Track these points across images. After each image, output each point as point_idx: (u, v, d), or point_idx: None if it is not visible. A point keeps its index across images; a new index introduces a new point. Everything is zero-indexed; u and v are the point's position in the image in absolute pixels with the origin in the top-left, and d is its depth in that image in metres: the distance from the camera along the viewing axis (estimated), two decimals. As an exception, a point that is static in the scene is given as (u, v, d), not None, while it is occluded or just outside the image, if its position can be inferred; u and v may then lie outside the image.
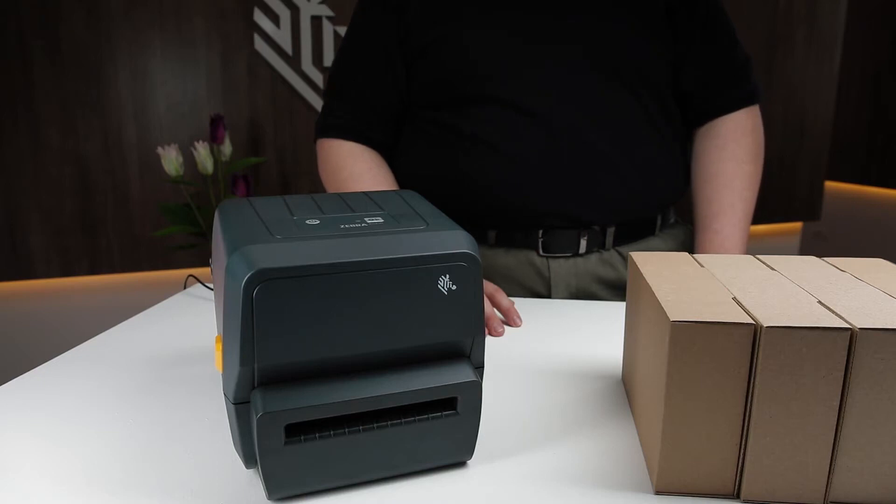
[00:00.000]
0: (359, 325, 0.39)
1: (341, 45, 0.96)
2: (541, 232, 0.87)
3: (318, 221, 0.42)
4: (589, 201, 0.85)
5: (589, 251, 0.88)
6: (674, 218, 0.96)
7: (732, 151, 0.90)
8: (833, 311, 0.39)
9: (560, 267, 0.88)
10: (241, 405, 0.39)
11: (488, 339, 0.70)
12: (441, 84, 0.87)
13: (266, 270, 0.36)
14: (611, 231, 0.88)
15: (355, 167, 0.91)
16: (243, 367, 0.37)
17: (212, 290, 0.86)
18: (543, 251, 0.87)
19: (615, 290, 0.90)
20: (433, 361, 0.42)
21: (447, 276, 0.40)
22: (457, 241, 0.41)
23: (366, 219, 0.43)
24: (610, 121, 0.84)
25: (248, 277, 0.36)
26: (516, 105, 0.83)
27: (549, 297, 0.89)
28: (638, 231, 0.90)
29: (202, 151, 1.86)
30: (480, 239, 0.90)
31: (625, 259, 0.89)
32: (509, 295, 0.90)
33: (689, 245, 0.95)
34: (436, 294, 0.40)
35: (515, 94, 0.84)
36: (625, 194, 0.86)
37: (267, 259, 0.36)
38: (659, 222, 0.92)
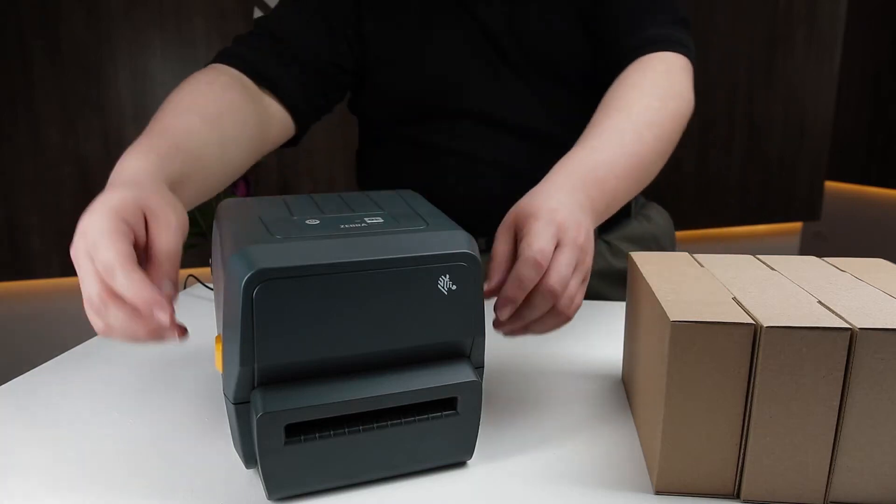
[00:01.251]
0: (359, 325, 0.39)
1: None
2: None
3: (317, 221, 0.42)
4: None
5: None
6: (642, 199, 0.97)
7: (634, 81, 0.71)
8: (833, 311, 0.39)
9: None
10: (241, 405, 0.39)
11: (488, 339, 0.70)
12: (408, 98, 0.87)
13: (266, 270, 0.36)
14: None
15: (194, 96, 0.65)
16: (243, 367, 0.37)
17: (212, 290, 0.86)
18: None
19: (604, 278, 0.90)
20: (433, 361, 0.43)
21: (447, 276, 0.40)
22: (457, 241, 0.41)
23: (365, 219, 0.43)
24: (575, 120, 0.84)
25: (249, 277, 0.36)
26: (487, 116, 0.84)
27: None
28: (617, 219, 0.91)
29: (202, 151, 1.86)
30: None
31: (610, 246, 0.90)
32: None
33: (660, 223, 0.96)
34: (436, 294, 0.40)
35: (485, 106, 0.84)
36: None
37: (267, 259, 0.36)
38: (633, 205, 0.93)
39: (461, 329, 0.42)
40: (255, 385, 0.38)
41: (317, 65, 0.78)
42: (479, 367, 0.44)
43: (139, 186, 0.45)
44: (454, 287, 0.40)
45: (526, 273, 0.46)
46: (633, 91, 0.70)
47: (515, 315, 0.48)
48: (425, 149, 0.88)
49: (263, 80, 0.73)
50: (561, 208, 0.52)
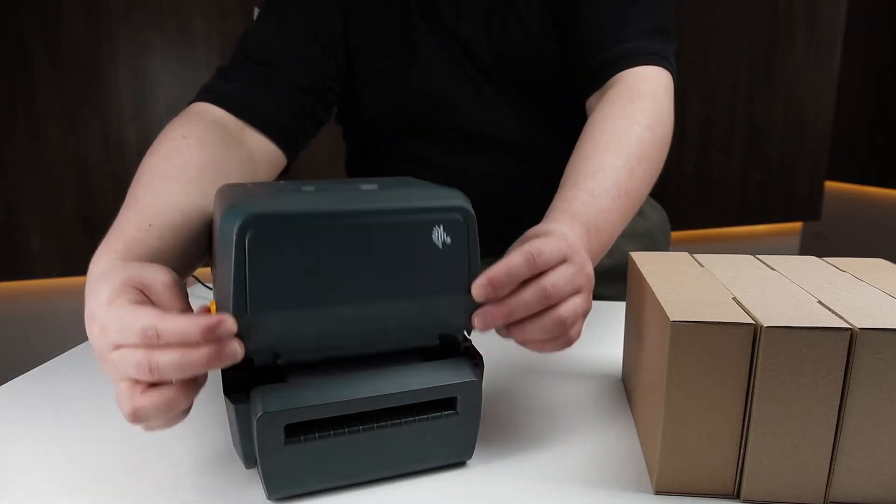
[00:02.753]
0: (352, 275, 0.38)
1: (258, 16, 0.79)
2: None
3: (312, 188, 0.41)
4: None
5: None
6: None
7: (620, 109, 0.69)
8: (833, 311, 0.39)
9: None
10: (241, 405, 0.39)
11: (487, 340, 0.70)
12: (397, 114, 0.87)
13: (259, 216, 0.36)
14: None
15: (178, 132, 0.62)
16: (237, 316, 0.36)
17: (212, 290, 0.86)
18: None
19: (601, 277, 0.90)
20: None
21: (441, 227, 0.40)
22: (451, 195, 0.41)
23: (361, 185, 0.43)
24: (559, 131, 0.84)
25: (242, 223, 0.35)
26: (471, 131, 0.84)
27: None
28: None
29: (202, 151, 1.86)
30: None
31: None
32: None
33: (655, 219, 0.96)
34: (430, 246, 0.40)
35: (468, 121, 0.84)
36: None
37: (260, 207, 0.36)
38: None
39: (455, 284, 0.41)
40: (248, 349, 0.37)
41: (305, 85, 0.75)
42: (478, 364, 0.44)
43: (118, 270, 0.42)
44: (448, 240, 0.40)
45: (515, 260, 0.43)
46: (623, 122, 0.68)
47: (502, 302, 0.44)
48: (410, 163, 0.87)
49: (248, 115, 0.69)
50: (571, 236, 0.51)
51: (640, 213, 0.94)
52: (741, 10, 2.68)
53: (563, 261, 0.46)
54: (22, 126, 2.09)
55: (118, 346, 0.37)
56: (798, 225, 3.17)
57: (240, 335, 0.36)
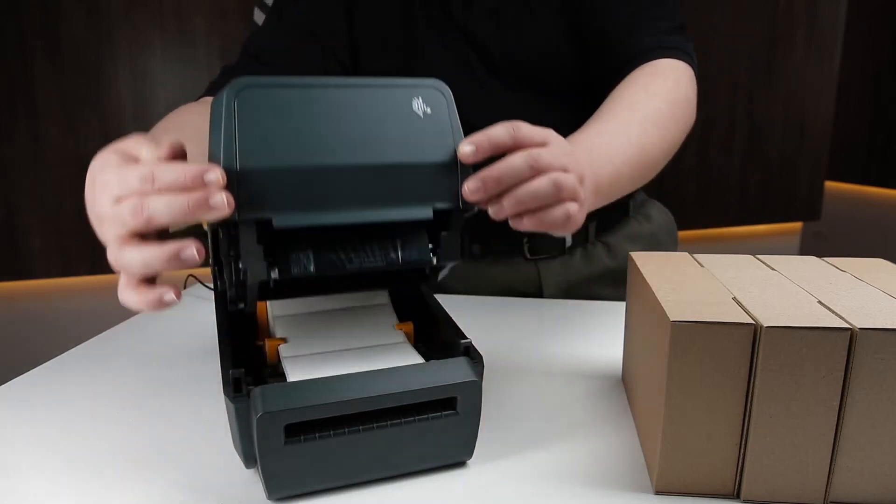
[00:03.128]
0: (337, 136, 0.40)
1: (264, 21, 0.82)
2: (525, 238, 0.87)
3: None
4: None
5: (574, 246, 0.88)
6: (642, 197, 0.97)
7: (642, 83, 0.71)
8: (833, 311, 0.39)
9: (548, 268, 0.88)
10: (241, 405, 0.39)
11: (487, 341, 0.70)
12: None
13: (249, 81, 0.39)
14: (592, 225, 0.89)
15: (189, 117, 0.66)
16: (227, 173, 0.37)
17: (212, 289, 0.86)
18: (530, 255, 0.88)
19: (603, 281, 0.90)
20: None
21: (420, 98, 0.43)
22: (429, 79, 0.44)
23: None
24: (568, 127, 0.84)
25: (231, 86, 0.38)
26: (478, 129, 0.83)
27: (540, 299, 0.89)
28: (614, 218, 0.91)
29: (202, 151, 1.86)
30: (465, 253, 0.90)
31: (608, 248, 0.90)
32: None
33: (661, 221, 0.96)
34: (412, 114, 0.42)
35: (475, 119, 0.83)
36: None
37: (250, 79, 0.39)
38: (631, 205, 0.93)
39: (441, 151, 0.43)
40: (239, 208, 0.37)
41: None
42: (477, 366, 0.44)
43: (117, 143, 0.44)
44: (429, 111, 0.43)
45: (497, 130, 0.44)
46: (642, 92, 0.70)
47: (490, 166, 0.44)
48: None
49: None
50: (560, 137, 0.51)
51: (645, 216, 0.94)
52: (741, 10, 2.68)
53: (546, 143, 0.47)
54: (22, 126, 2.09)
55: (118, 199, 0.38)
56: (798, 225, 3.17)
57: (232, 193, 0.37)
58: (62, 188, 2.15)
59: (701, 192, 2.84)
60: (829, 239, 3.27)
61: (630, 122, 0.64)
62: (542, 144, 0.46)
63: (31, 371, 0.61)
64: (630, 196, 0.92)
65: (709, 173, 2.83)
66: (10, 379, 0.59)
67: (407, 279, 0.51)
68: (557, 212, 0.46)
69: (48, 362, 0.63)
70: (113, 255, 0.39)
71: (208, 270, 0.49)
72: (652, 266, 0.51)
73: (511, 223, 0.46)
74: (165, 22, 2.12)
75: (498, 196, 0.44)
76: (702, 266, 0.51)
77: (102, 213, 0.39)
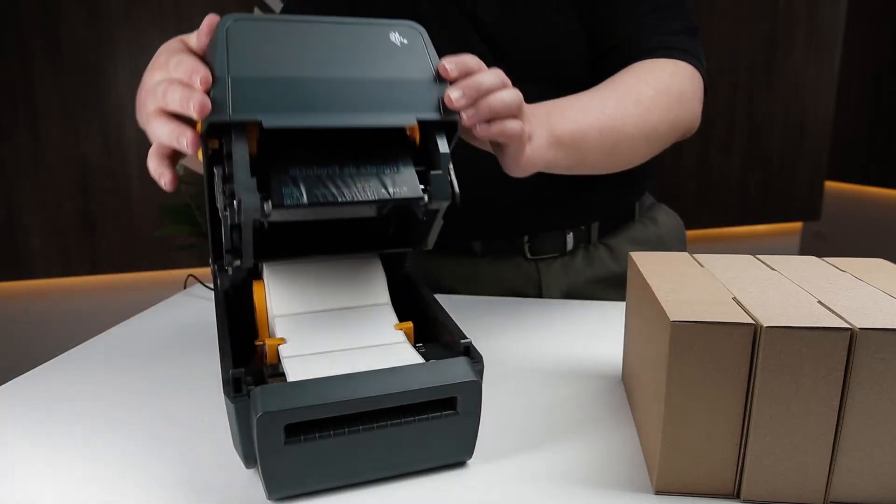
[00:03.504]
0: (322, 56, 0.44)
1: None
2: (526, 237, 0.87)
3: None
4: (570, 203, 0.85)
5: (576, 248, 0.88)
6: (649, 200, 0.97)
7: (634, 72, 0.73)
8: (833, 311, 0.39)
9: (549, 268, 0.88)
10: (241, 405, 0.39)
11: (486, 341, 0.70)
12: None
13: (241, 15, 0.44)
14: (595, 226, 0.89)
15: None
16: (217, 81, 0.41)
17: (212, 289, 0.86)
18: (531, 254, 0.88)
19: (604, 283, 0.90)
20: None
21: (396, 32, 0.48)
22: (406, 20, 0.49)
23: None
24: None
25: (226, 17, 0.44)
26: None
27: (540, 299, 0.89)
28: (619, 221, 0.91)
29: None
30: (466, 250, 0.90)
31: (611, 251, 0.89)
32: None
33: (669, 226, 0.95)
34: (389, 43, 0.47)
35: None
36: (603, 191, 0.86)
37: (243, 13, 0.45)
38: (637, 209, 0.93)
39: (420, 68, 0.47)
40: (234, 109, 0.41)
41: None
42: (477, 366, 0.44)
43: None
44: (405, 41, 0.47)
45: (469, 58, 0.50)
46: (632, 78, 0.72)
47: (469, 80, 0.50)
48: None
49: None
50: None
51: (652, 220, 0.94)
52: (741, 10, 2.68)
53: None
54: (22, 126, 2.09)
55: (159, 81, 0.47)
56: (798, 225, 3.17)
57: (224, 98, 0.41)
58: (62, 188, 2.15)
59: (701, 192, 2.84)
60: (829, 239, 3.27)
61: (607, 97, 0.68)
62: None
63: (31, 371, 0.61)
64: (636, 198, 0.92)
65: (709, 173, 2.83)
66: (10, 379, 0.59)
67: (401, 238, 0.54)
68: (515, 124, 0.53)
69: (48, 362, 0.63)
70: (148, 124, 0.48)
71: (208, 270, 0.49)
72: (652, 266, 0.51)
73: (478, 130, 0.51)
74: (165, 22, 2.12)
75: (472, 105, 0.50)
76: (702, 266, 0.51)
77: (148, 88, 0.49)
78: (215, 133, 0.44)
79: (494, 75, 0.51)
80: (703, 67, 0.78)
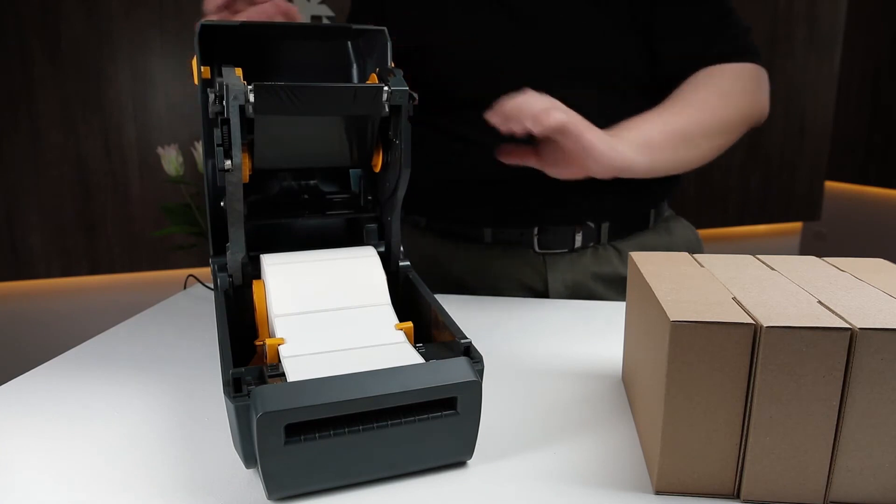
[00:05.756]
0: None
1: None
2: (536, 229, 0.88)
3: None
4: (582, 200, 0.86)
5: (584, 246, 0.88)
6: (668, 212, 0.97)
7: (706, 77, 0.80)
8: (833, 311, 0.39)
9: (556, 263, 0.88)
10: (241, 405, 0.39)
11: (487, 341, 0.70)
12: (428, 89, 0.87)
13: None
14: (605, 227, 0.89)
15: None
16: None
17: (212, 289, 0.86)
18: (539, 248, 0.88)
19: (610, 284, 0.90)
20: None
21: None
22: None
23: None
24: (598, 121, 0.84)
25: None
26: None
27: (545, 292, 0.89)
28: (632, 225, 0.91)
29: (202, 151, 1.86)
30: (476, 238, 0.91)
31: (620, 254, 0.90)
32: (508, 293, 0.90)
33: (683, 237, 0.95)
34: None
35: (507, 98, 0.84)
36: (617, 191, 0.86)
37: None
38: (652, 217, 0.93)
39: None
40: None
41: None
42: (477, 361, 0.44)
43: None
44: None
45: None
46: (702, 84, 0.79)
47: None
48: (443, 135, 0.88)
49: None
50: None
51: (668, 231, 0.94)
52: (741, 10, 2.67)
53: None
54: (22, 126, 2.09)
55: None
56: (798, 225, 3.17)
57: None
58: (62, 188, 2.15)
59: (701, 192, 2.84)
60: (828, 239, 3.27)
61: (682, 106, 0.75)
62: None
63: (31, 371, 0.61)
64: (652, 206, 0.92)
65: (709, 173, 2.83)
66: (10, 379, 0.59)
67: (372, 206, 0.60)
68: (557, 113, 0.63)
69: (48, 362, 0.63)
70: None
71: (208, 270, 0.49)
72: (652, 266, 0.51)
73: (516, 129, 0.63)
74: (165, 22, 2.12)
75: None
76: (702, 266, 0.51)
77: None
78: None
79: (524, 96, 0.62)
80: (761, 61, 0.85)
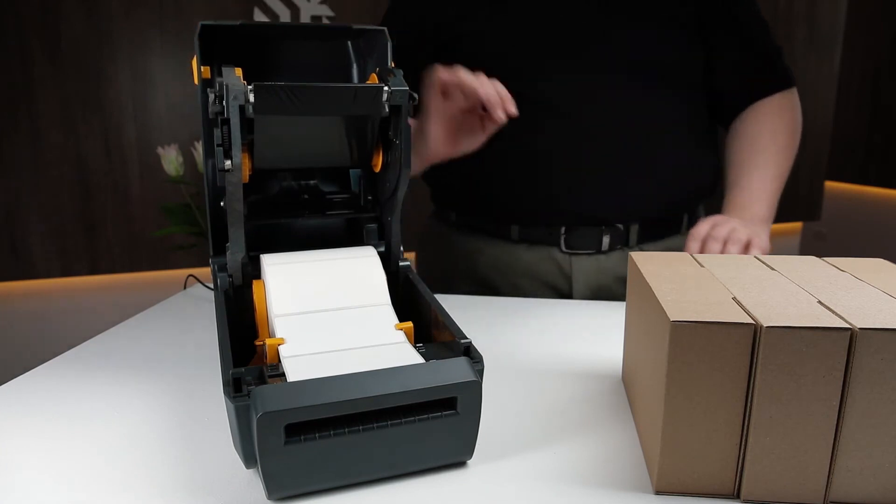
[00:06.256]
0: None
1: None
2: (563, 229, 0.87)
3: None
4: (612, 200, 0.85)
5: (612, 248, 0.88)
6: (703, 216, 0.97)
7: (767, 123, 0.90)
8: (833, 311, 0.39)
9: (582, 264, 0.88)
10: (241, 405, 0.38)
11: (487, 341, 0.70)
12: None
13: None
14: (634, 229, 0.88)
15: None
16: None
17: (212, 289, 0.86)
18: (566, 248, 0.88)
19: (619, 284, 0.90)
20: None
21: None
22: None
23: None
24: (636, 120, 0.84)
25: None
26: (542, 102, 0.84)
27: (570, 293, 0.89)
28: (663, 230, 0.90)
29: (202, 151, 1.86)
30: (504, 235, 0.90)
31: None
32: (532, 292, 0.90)
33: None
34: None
35: (542, 92, 0.84)
36: (649, 193, 0.86)
37: None
38: (686, 221, 0.92)
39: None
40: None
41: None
42: (478, 366, 0.44)
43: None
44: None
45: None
46: (771, 137, 0.90)
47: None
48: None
49: None
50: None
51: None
52: (741, 10, 2.67)
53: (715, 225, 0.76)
54: (22, 126, 2.09)
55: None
56: (798, 225, 3.17)
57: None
58: (62, 188, 2.15)
59: (701, 192, 2.83)
60: (828, 239, 3.27)
61: (765, 163, 0.88)
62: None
63: (31, 371, 0.61)
64: (683, 210, 0.92)
65: (709, 173, 2.82)
66: (10, 379, 0.59)
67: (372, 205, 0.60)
68: (737, 241, 0.75)
69: (48, 362, 0.63)
70: (478, 82, 0.70)
71: (208, 270, 0.49)
72: (652, 266, 0.51)
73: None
74: (165, 22, 2.12)
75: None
76: (702, 266, 0.51)
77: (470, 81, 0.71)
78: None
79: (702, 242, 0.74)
80: (793, 81, 0.95)
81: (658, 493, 0.41)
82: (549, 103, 0.83)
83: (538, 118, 0.84)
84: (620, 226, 0.87)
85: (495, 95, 0.69)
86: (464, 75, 0.71)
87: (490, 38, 0.85)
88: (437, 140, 0.76)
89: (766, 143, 0.89)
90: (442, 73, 0.72)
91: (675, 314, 0.39)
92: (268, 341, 0.46)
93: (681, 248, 0.91)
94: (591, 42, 0.83)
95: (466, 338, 0.45)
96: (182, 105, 2.16)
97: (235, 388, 0.39)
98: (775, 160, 0.88)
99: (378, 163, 0.55)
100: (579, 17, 0.83)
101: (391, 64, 0.55)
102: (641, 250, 0.89)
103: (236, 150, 0.46)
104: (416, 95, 0.51)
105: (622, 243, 0.88)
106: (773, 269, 0.50)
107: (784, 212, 2.97)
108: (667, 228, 0.91)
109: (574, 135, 0.83)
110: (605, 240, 0.87)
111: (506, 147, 0.85)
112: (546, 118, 0.84)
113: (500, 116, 0.69)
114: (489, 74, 0.86)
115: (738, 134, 0.91)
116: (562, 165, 0.84)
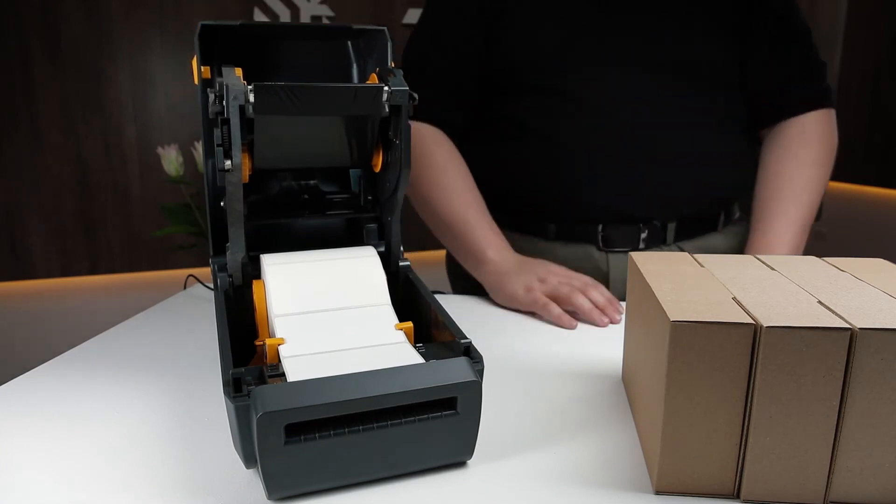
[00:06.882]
0: None
1: (418, 23, 0.93)
2: (600, 226, 0.87)
3: None
4: (649, 198, 0.85)
5: (649, 246, 0.88)
6: (738, 214, 0.96)
7: (795, 154, 0.88)
8: (833, 311, 0.39)
9: (619, 262, 0.88)
10: (241, 405, 0.39)
11: (487, 341, 0.70)
12: (507, 72, 0.87)
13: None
14: (671, 227, 0.88)
15: (439, 157, 0.88)
16: None
17: (212, 289, 0.86)
18: (603, 245, 0.87)
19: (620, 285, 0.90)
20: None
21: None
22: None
23: None
24: (674, 118, 0.84)
25: None
26: (580, 99, 0.84)
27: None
28: (699, 227, 0.90)
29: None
30: (540, 232, 0.90)
31: None
32: None
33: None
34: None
35: (580, 89, 0.84)
36: (686, 191, 0.86)
37: None
38: (722, 219, 0.92)
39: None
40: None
41: (472, 91, 0.92)
42: (477, 366, 0.44)
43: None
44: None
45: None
46: (797, 170, 0.87)
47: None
48: (514, 126, 0.89)
49: (445, 127, 0.92)
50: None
51: (734, 233, 0.95)
52: (741, 10, 2.67)
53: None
54: (22, 126, 2.09)
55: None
56: (798, 225, 3.15)
57: None
58: (62, 188, 2.16)
59: (701, 192, 2.83)
60: (828, 239, 3.27)
61: (787, 208, 0.85)
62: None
63: (31, 371, 0.61)
64: (720, 208, 0.92)
65: (709, 173, 2.82)
66: (10, 379, 0.59)
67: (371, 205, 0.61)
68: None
69: (48, 362, 0.63)
70: (572, 295, 0.76)
71: (208, 270, 0.49)
72: (652, 266, 0.51)
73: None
74: (165, 22, 2.12)
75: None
76: (702, 266, 0.51)
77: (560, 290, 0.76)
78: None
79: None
80: (833, 102, 0.92)
81: (658, 493, 0.41)
82: (588, 101, 0.83)
83: (577, 116, 0.84)
84: (658, 223, 0.87)
85: (597, 313, 0.74)
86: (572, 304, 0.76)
87: (534, 34, 0.85)
88: (504, 301, 0.81)
89: (790, 179, 0.87)
90: (553, 311, 0.75)
91: (675, 314, 0.39)
92: (268, 341, 0.46)
93: (717, 247, 0.91)
94: (637, 41, 0.83)
95: (466, 338, 0.45)
96: (182, 105, 2.16)
97: (235, 388, 0.39)
98: (798, 200, 0.86)
99: (378, 163, 0.55)
100: (625, 17, 0.83)
101: (391, 64, 0.55)
102: (679, 248, 0.89)
103: (236, 150, 0.46)
104: (415, 95, 0.51)
105: (660, 241, 0.88)
106: (773, 269, 0.50)
107: (784, 212, 2.97)
108: (703, 226, 0.91)
109: (613, 132, 0.83)
110: (643, 237, 0.87)
111: (543, 145, 0.85)
112: (585, 116, 0.84)
113: (604, 323, 0.74)
114: (528, 69, 0.86)
115: (767, 165, 0.89)
116: (600, 163, 0.84)
